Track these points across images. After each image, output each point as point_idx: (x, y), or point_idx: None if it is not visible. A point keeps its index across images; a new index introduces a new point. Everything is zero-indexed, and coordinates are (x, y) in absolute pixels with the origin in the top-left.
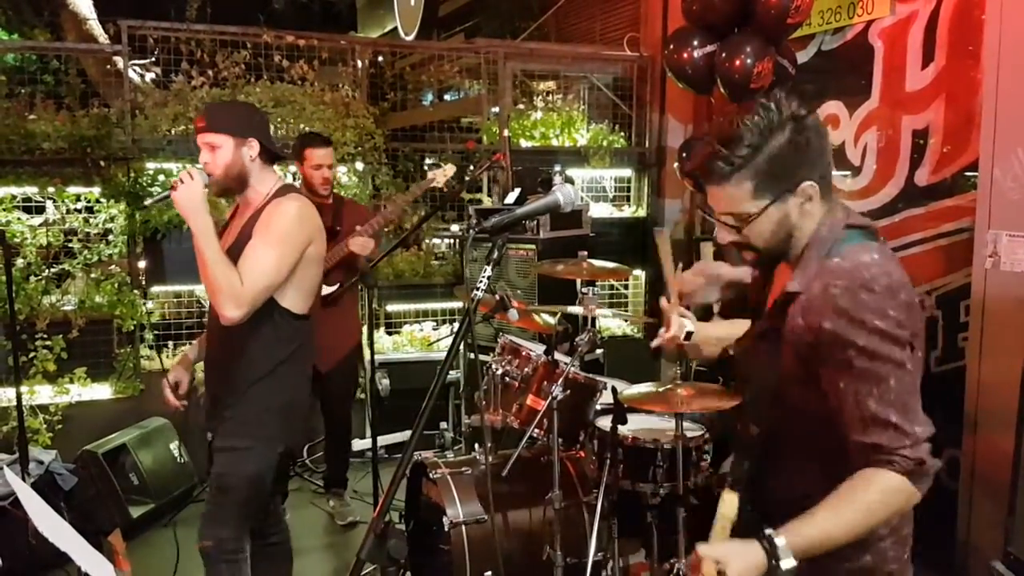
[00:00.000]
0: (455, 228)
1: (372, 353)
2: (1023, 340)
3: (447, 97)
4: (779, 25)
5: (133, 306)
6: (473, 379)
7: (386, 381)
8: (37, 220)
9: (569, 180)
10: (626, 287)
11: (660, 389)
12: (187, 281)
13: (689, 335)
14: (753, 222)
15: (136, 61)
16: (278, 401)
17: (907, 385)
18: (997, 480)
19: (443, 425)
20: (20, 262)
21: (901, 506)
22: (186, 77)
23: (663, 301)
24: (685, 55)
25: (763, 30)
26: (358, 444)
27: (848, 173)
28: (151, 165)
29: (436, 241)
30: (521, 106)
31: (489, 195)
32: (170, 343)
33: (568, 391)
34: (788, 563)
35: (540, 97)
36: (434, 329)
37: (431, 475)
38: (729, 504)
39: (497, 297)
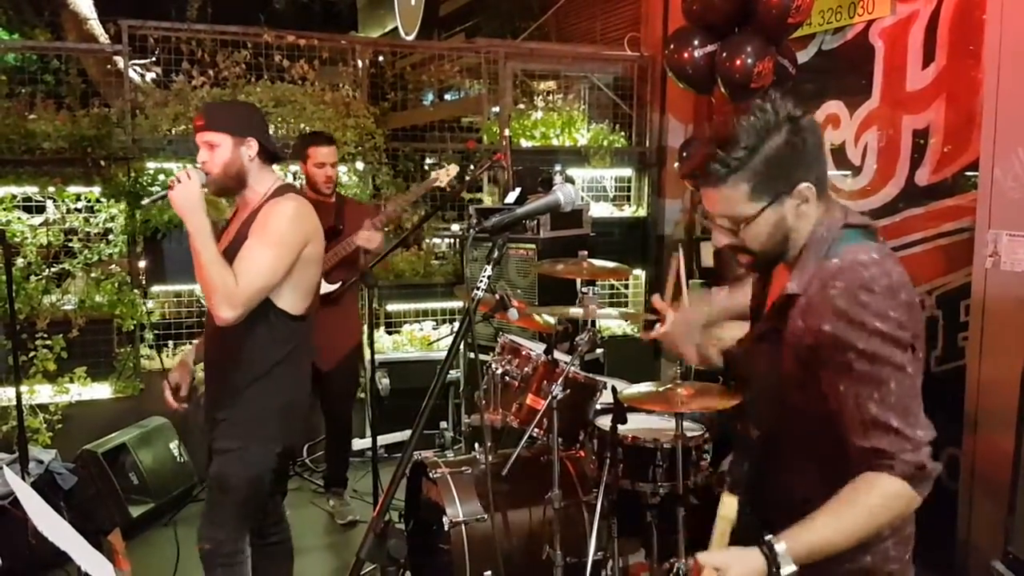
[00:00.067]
0: (455, 228)
1: (372, 353)
2: (1023, 340)
3: (448, 97)
4: (780, 25)
5: (133, 306)
6: (473, 378)
7: (386, 381)
8: (37, 220)
9: (569, 180)
10: (626, 287)
11: (660, 389)
12: (187, 281)
13: None
14: (749, 225)
15: (137, 61)
16: (276, 402)
17: (908, 388)
18: (997, 480)
19: (443, 424)
20: (20, 261)
21: (902, 511)
22: (187, 77)
23: (656, 298)
24: (686, 55)
25: (764, 30)
26: (358, 443)
27: (848, 173)
28: (151, 165)
29: (436, 241)
30: (521, 106)
31: (493, 186)
32: (170, 343)
33: (568, 390)
34: (788, 569)
35: (540, 97)
36: (434, 329)
37: (431, 474)
38: (728, 507)
39: (497, 297)
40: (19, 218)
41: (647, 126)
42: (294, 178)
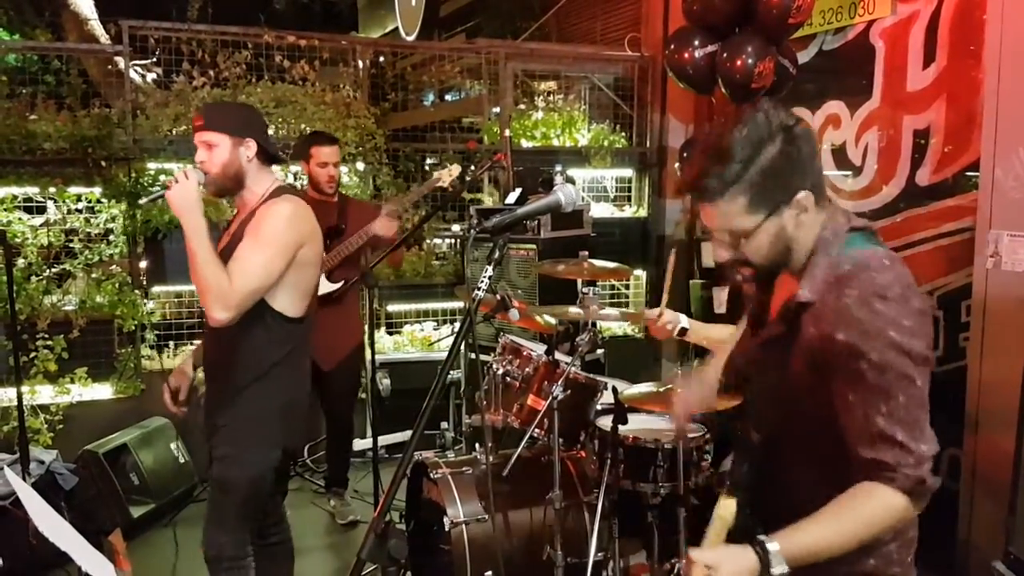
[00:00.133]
0: (456, 228)
1: (373, 353)
2: None
3: (448, 97)
4: (780, 25)
5: (134, 306)
6: (474, 379)
7: (387, 381)
8: (38, 220)
9: (570, 180)
10: (627, 287)
11: (660, 389)
12: (188, 281)
13: (684, 331)
14: (750, 238)
15: (137, 61)
16: (275, 403)
17: (916, 400)
18: (998, 480)
19: (444, 425)
20: (21, 262)
21: (896, 522)
22: (187, 77)
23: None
24: (686, 55)
25: (764, 30)
26: (359, 444)
27: (849, 173)
28: (152, 165)
29: (437, 241)
30: (522, 106)
31: (493, 187)
32: (171, 343)
33: (569, 391)
34: (780, 569)
35: (541, 97)
36: (435, 329)
37: (432, 475)
38: (726, 507)
39: (498, 297)
40: (20, 218)
41: (648, 126)
42: (295, 179)
